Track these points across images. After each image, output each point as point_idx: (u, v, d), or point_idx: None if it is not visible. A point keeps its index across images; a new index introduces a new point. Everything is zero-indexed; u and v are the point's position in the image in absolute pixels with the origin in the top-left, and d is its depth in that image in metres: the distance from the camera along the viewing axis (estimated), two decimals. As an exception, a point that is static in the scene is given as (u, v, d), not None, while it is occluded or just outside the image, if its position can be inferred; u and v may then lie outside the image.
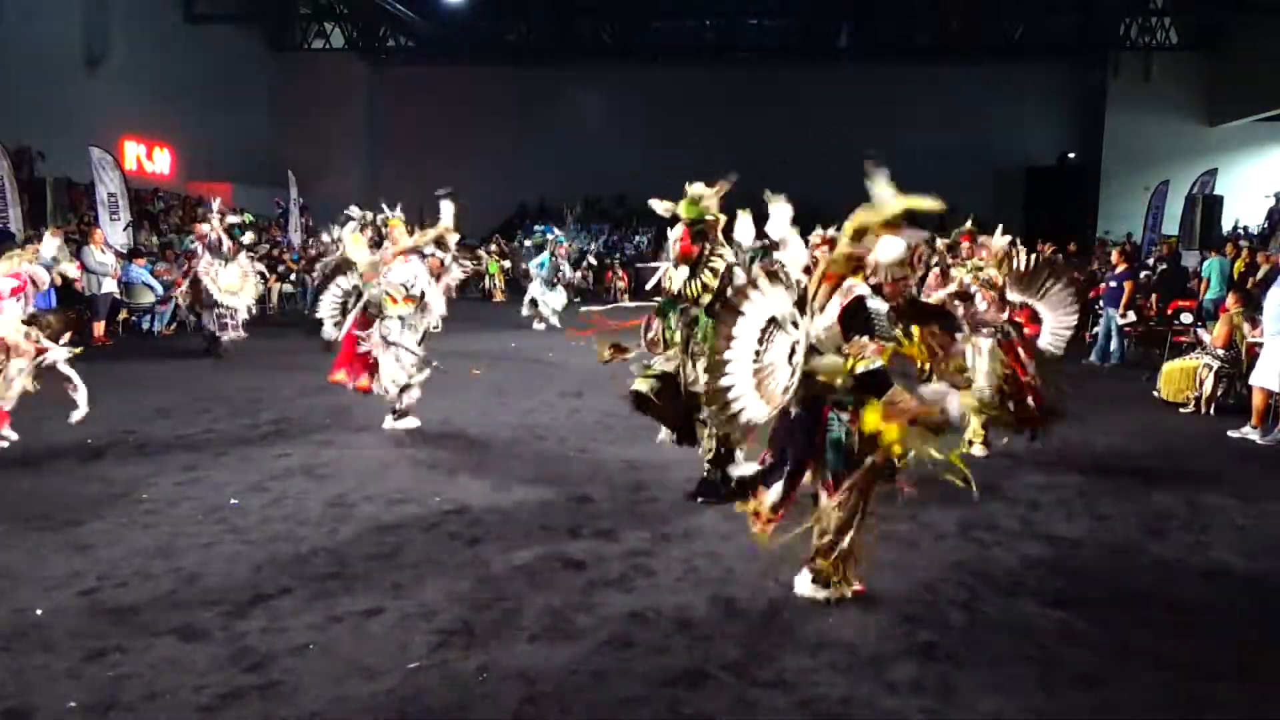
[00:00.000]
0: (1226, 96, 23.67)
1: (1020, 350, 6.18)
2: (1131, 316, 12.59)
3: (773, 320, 3.80)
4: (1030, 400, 6.11)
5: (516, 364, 11.12)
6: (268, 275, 14.51)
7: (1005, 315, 6.35)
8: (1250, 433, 7.57)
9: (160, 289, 13.52)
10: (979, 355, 6.19)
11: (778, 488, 3.91)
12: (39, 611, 3.74)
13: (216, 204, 11.69)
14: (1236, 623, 3.91)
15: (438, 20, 24.95)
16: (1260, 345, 7.85)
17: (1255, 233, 19.65)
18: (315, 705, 3.07)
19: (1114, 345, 12.13)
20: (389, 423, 7.21)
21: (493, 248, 22.43)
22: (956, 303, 6.36)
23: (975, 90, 26.01)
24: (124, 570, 4.20)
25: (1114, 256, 13.67)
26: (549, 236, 15.46)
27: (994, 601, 4.03)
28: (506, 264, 21.62)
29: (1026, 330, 6.31)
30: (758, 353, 3.79)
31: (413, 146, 27.05)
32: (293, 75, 26.34)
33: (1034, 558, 4.58)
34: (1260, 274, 12.10)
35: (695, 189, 5.24)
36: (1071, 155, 26.76)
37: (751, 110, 26.07)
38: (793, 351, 3.73)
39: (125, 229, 15.69)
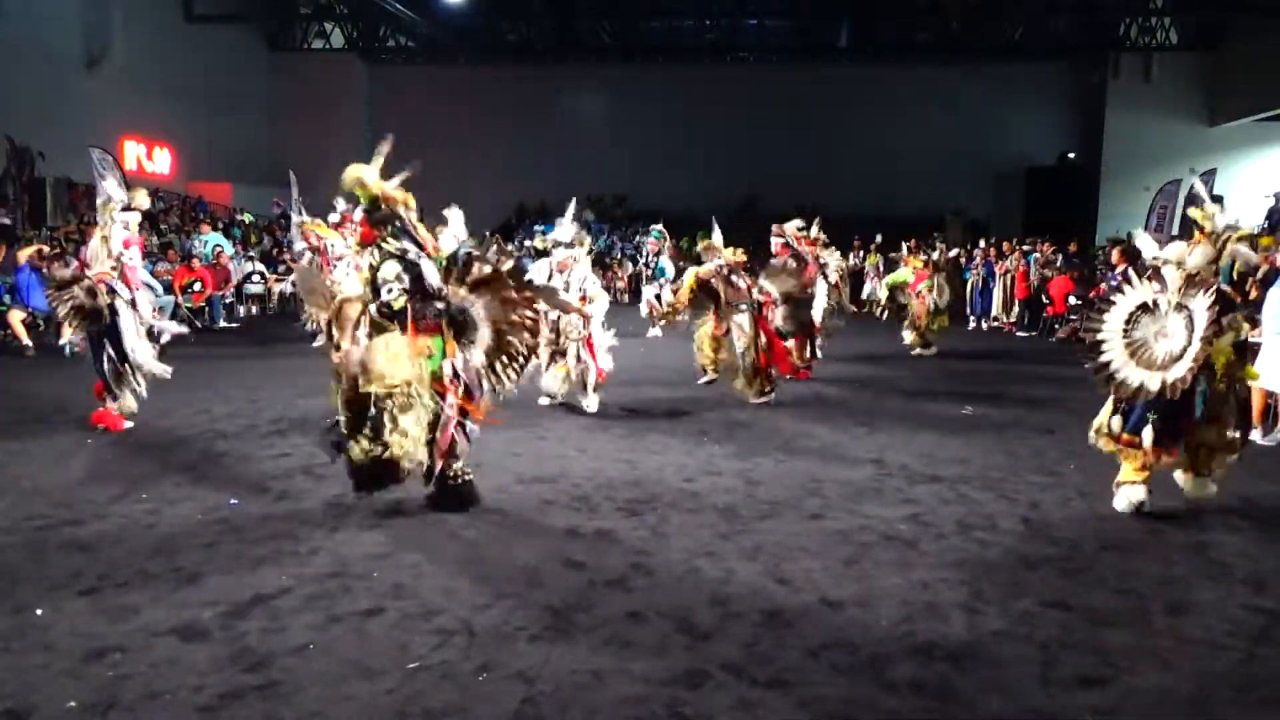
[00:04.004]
0: (1226, 96, 23.71)
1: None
2: None
3: (1142, 307, 4.97)
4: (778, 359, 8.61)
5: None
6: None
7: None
8: (1250, 433, 7.55)
9: (160, 289, 13.51)
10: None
11: (1151, 432, 5.04)
12: (39, 611, 3.74)
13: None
14: (1237, 623, 3.90)
15: (438, 20, 24.95)
16: (1259, 345, 7.83)
17: (1255, 232, 19.65)
18: (315, 705, 3.07)
19: None
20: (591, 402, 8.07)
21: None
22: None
23: (975, 90, 26.03)
24: (124, 570, 4.20)
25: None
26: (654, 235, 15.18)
27: (994, 601, 4.03)
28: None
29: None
30: (1126, 330, 4.98)
31: (412, 146, 26.83)
32: (292, 75, 26.36)
33: (1034, 558, 4.58)
34: (1260, 274, 12.06)
35: (353, 170, 5.10)
36: (1071, 155, 26.78)
37: (751, 110, 26.08)
38: (1188, 327, 4.83)
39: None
